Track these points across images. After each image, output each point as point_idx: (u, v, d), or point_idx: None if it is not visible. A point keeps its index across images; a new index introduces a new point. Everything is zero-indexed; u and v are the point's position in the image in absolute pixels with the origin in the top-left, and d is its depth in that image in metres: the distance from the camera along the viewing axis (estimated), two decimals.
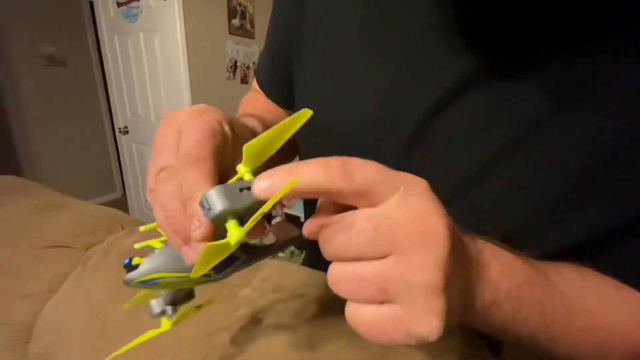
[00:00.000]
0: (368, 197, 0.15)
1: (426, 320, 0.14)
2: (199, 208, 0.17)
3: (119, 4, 2.11)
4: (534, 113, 0.22)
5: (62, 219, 0.70)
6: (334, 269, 0.16)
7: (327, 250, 0.16)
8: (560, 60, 0.22)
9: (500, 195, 0.22)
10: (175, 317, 0.23)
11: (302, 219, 2.36)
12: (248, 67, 2.43)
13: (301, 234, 0.19)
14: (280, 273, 0.44)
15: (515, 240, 0.23)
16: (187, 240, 0.18)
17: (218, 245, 0.16)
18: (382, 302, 0.15)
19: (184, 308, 0.24)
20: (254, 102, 0.48)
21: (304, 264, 0.58)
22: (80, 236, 0.66)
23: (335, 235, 0.16)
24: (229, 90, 2.28)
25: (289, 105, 0.43)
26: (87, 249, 0.64)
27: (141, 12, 2.03)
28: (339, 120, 0.30)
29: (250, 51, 2.46)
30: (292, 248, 2.24)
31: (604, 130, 0.22)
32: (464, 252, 0.17)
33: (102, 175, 3.33)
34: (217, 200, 0.16)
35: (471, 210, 0.22)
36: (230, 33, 2.25)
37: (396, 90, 0.27)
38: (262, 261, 0.51)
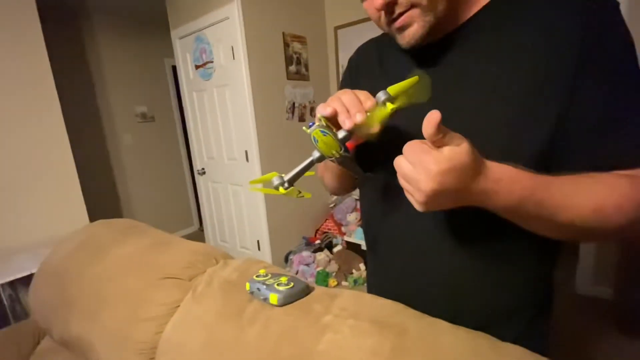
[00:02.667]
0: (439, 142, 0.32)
1: (420, 196, 0.33)
2: (371, 100, 0.40)
3: (196, 67, 2.49)
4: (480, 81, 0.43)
5: (170, 255, 0.85)
6: (400, 169, 0.35)
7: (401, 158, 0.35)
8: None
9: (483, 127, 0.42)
10: (288, 190, 0.42)
11: (362, 247, 2.39)
12: (305, 107, 2.64)
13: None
14: (355, 302, 0.51)
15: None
16: (352, 114, 0.38)
17: (380, 109, 0.38)
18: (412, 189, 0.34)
19: (293, 189, 0.43)
20: None
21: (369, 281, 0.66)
22: (185, 269, 0.79)
23: (401, 159, 0.35)
24: (289, 129, 2.48)
25: None
26: (190, 279, 0.77)
27: (214, 71, 2.37)
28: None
29: (306, 92, 2.67)
30: (355, 277, 2.27)
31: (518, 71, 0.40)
32: (468, 168, 0.33)
33: (182, 211, 3.78)
34: (384, 94, 0.38)
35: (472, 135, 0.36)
36: (288, 78, 2.49)
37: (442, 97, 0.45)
38: (339, 292, 0.58)
